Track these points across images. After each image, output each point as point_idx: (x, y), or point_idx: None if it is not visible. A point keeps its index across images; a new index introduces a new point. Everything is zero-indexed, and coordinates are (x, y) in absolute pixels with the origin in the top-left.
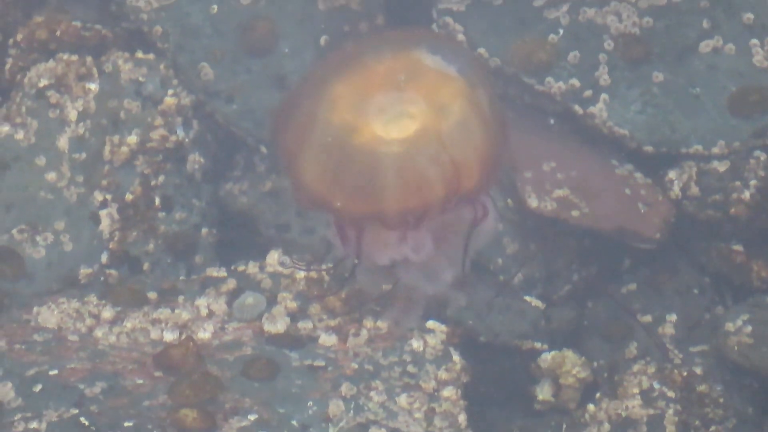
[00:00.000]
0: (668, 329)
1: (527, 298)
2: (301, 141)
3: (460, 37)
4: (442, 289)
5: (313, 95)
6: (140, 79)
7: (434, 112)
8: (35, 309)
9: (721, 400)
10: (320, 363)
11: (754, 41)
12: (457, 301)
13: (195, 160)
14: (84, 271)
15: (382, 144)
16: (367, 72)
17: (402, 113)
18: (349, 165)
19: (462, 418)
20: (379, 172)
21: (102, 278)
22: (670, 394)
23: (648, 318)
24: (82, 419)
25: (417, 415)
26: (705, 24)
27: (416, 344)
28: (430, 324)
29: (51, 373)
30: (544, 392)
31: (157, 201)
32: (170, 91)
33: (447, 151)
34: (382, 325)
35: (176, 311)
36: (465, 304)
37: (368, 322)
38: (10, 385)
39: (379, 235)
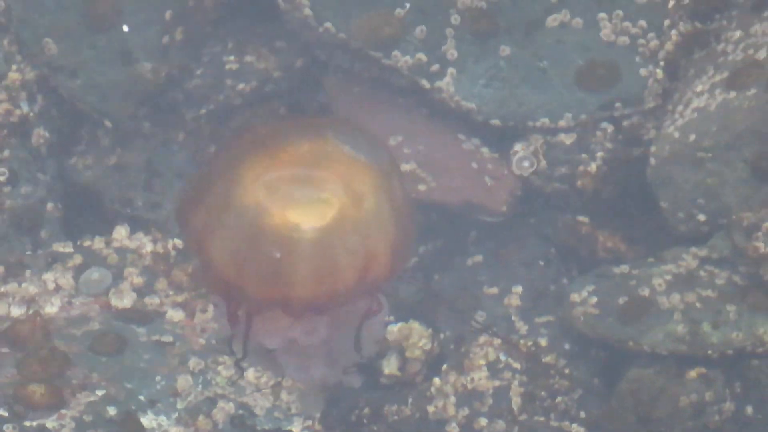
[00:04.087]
0: (514, 300)
1: None
2: (210, 222)
3: (307, 12)
4: (331, 377)
5: (224, 176)
6: None
7: (350, 201)
8: None
9: (567, 370)
10: (168, 338)
11: (602, 15)
12: (351, 384)
13: (40, 135)
14: None
15: (297, 231)
16: (282, 155)
17: (318, 200)
18: (262, 250)
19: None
20: (293, 259)
21: None
22: (516, 365)
23: (494, 290)
24: None
25: (265, 389)
26: None
27: None
28: None
29: None
30: (390, 365)
31: (2, 176)
32: (14, 66)
33: (362, 241)
34: None
35: (23, 285)
36: (359, 386)
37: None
38: None
39: (270, 319)
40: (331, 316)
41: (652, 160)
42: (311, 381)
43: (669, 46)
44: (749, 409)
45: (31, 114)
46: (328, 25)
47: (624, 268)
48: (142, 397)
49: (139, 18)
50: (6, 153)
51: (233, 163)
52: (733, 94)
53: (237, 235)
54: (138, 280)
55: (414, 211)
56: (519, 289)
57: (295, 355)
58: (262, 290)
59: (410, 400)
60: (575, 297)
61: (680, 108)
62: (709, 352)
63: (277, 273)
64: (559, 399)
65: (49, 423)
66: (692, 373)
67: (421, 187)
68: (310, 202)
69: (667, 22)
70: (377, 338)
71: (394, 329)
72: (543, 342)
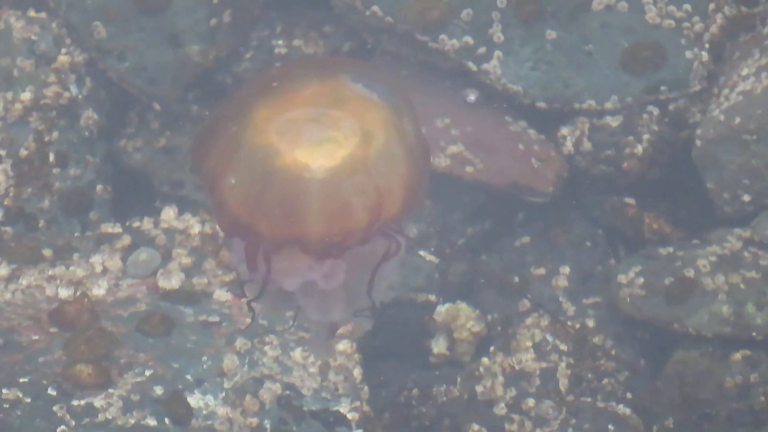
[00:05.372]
0: (561, 281)
1: (422, 252)
2: (224, 164)
3: None
4: (344, 319)
5: (236, 118)
6: (33, 37)
7: (360, 140)
8: None
9: (614, 352)
10: (215, 318)
11: None
12: (362, 328)
13: (89, 117)
14: None
15: (307, 170)
16: (293, 96)
17: (328, 140)
18: (273, 190)
19: (357, 372)
20: (304, 199)
21: None
22: (563, 347)
23: (541, 270)
24: None
25: (311, 369)
26: None
27: None
28: None
29: None
30: (438, 346)
31: (51, 157)
32: (63, 50)
33: (372, 180)
34: None
35: (71, 268)
36: (371, 328)
37: None
38: None
39: (289, 261)
40: (350, 258)
41: (698, 142)
42: (329, 323)
43: (714, 29)
44: None
45: (80, 96)
46: (375, 8)
47: (669, 249)
48: (189, 377)
49: (187, 1)
50: (55, 135)
51: (245, 104)
52: None
53: (249, 176)
54: (186, 261)
55: (428, 150)
56: (566, 269)
57: (314, 297)
58: (276, 230)
59: (459, 380)
60: (622, 278)
61: (726, 91)
62: (754, 334)
63: (290, 212)
64: (605, 380)
65: (97, 402)
66: (737, 355)
67: (469, 169)
68: (319, 142)
69: (711, 6)
70: (390, 284)
71: (442, 310)
72: (590, 323)
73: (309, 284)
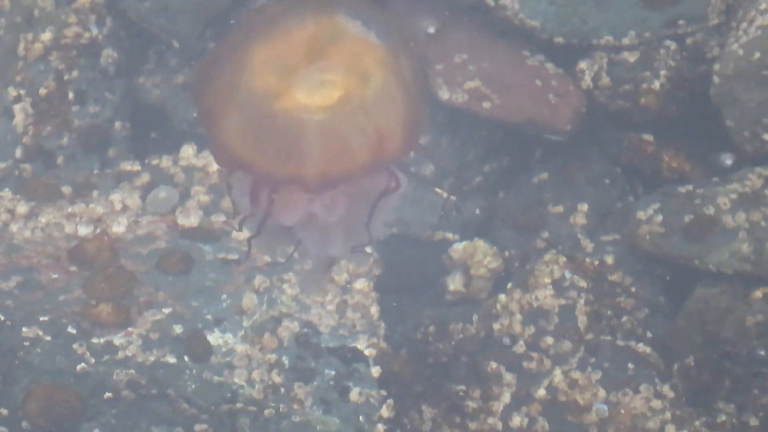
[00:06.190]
0: (579, 219)
1: (438, 189)
2: (222, 104)
3: None
4: (343, 253)
5: (233, 58)
6: None
7: (357, 80)
8: None
9: (633, 289)
10: (233, 256)
11: None
12: (359, 261)
13: (108, 55)
14: None
15: (305, 111)
16: (289, 36)
17: (325, 80)
18: (272, 130)
19: (374, 310)
20: (302, 139)
21: (16, 173)
22: (582, 284)
23: (559, 208)
24: None
25: (329, 307)
26: None
27: None
28: None
29: None
30: (455, 283)
31: (71, 95)
32: None
33: (370, 120)
34: None
35: (90, 206)
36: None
37: None
38: None
39: (288, 195)
40: (350, 192)
41: (716, 79)
42: (328, 257)
43: None
44: None
45: (100, 36)
46: None
47: (689, 187)
48: (208, 316)
49: None
50: (75, 73)
51: (242, 44)
52: None
53: (246, 117)
54: (205, 199)
55: (426, 88)
56: (584, 207)
57: (313, 231)
58: (274, 168)
59: (475, 317)
60: (641, 215)
61: (744, 25)
62: None
63: (290, 154)
64: (625, 318)
65: (117, 340)
66: (758, 293)
67: (486, 105)
68: (317, 83)
69: None
70: (387, 221)
71: (459, 247)
72: (609, 260)
73: (309, 218)
